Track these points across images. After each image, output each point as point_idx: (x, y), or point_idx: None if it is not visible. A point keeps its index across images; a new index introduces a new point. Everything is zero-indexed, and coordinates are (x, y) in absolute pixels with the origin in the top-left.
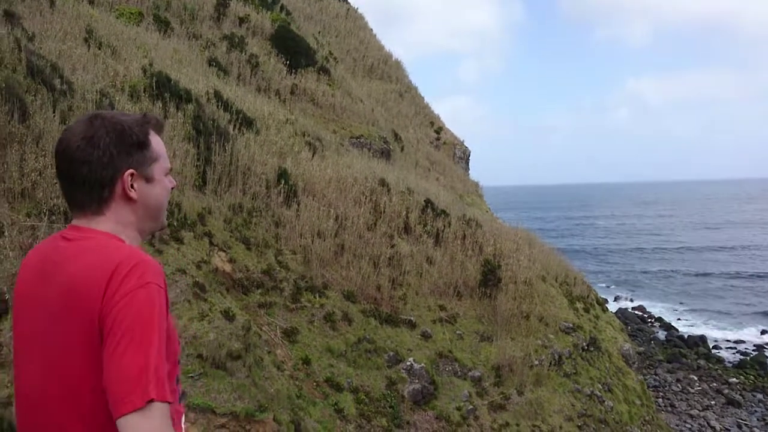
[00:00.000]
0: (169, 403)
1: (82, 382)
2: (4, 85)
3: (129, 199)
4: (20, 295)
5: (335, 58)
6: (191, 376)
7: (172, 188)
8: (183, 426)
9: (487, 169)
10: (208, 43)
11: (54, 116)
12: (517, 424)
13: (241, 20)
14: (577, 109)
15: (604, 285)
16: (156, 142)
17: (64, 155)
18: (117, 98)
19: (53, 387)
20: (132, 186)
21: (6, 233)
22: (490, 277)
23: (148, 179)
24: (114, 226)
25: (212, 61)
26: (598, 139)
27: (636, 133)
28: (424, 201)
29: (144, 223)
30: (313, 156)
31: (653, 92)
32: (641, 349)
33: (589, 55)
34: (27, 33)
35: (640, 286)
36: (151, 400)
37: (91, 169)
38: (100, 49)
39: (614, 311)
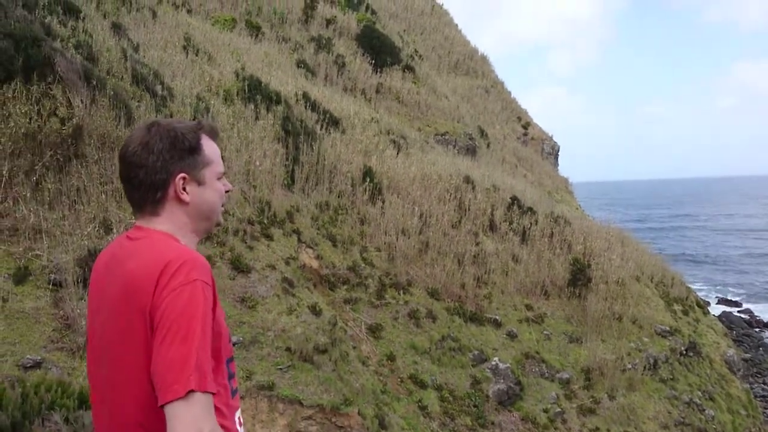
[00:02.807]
0: (212, 393)
1: (138, 369)
2: (112, 92)
3: (181, 202)
4: (91, 289)
5: (420, 56)
6: (280, 368)
7: (227, 191)
8: (237, 419)
9: (580, 165)
10: (297, 46)
11: None
12: (608, 430)
13: (328, 22)
14: (681, 99)
15: (706, 286)
16: (209, 147)
17: (123, 159)
18: (212, 102)
19: (112, 372)
20: (184, 189)
21: (114, 230)
22: (579, 277)
23: (200, 182)
24: (170, 227)
25: (300, 63)
26: (705, 130)
27: (748, 122)
28: (510, 198)
29: (197, 224)
30: (397, 154)
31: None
32: (748, 355)
33: (694, 42)
34: (132, 43)
35: (748, 289)
36: (192, 391)
37: (147, 173)
38: (197, 55)
39: (717, 315)
